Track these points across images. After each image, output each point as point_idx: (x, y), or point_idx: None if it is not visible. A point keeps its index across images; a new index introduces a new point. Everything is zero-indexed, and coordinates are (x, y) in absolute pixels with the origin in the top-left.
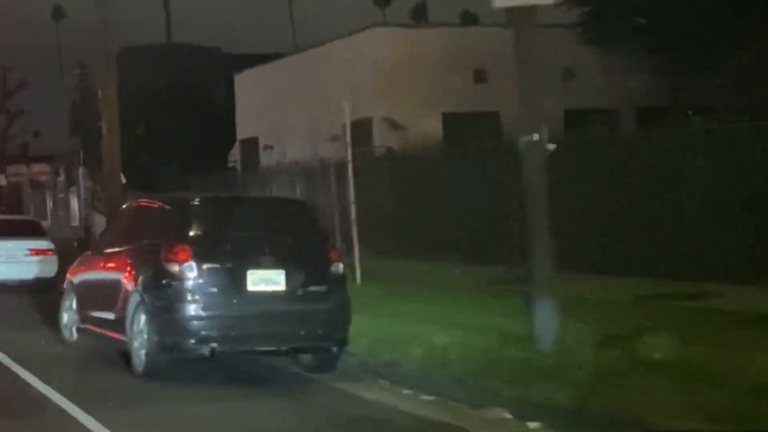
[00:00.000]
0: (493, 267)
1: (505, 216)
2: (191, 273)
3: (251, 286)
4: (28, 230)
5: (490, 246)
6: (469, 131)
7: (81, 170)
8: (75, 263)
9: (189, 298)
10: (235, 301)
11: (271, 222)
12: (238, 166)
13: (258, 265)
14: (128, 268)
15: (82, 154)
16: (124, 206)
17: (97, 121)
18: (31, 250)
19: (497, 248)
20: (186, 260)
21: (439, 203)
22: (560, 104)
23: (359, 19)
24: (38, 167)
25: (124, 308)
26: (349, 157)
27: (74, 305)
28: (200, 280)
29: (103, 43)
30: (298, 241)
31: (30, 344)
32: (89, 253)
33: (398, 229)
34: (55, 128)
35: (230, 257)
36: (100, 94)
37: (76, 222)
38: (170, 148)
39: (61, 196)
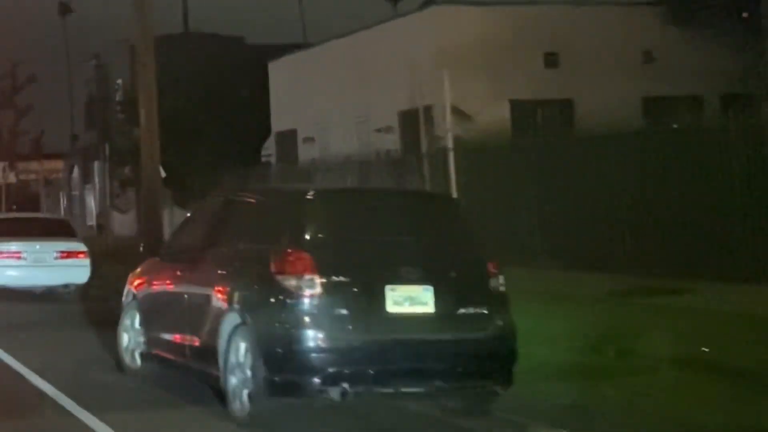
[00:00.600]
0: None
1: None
2: (313, 289)
3: (391, 307)
4: (57, 230)
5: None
6: (538, 120)
7: (96, 166)
8: (138, 271)
9: (310, 322)
10: (371, 326)
11: (410, 222)
12: (273, 161)
13: (398, 279)
14: (220, 281)
15: (106, 148)
16: (205, 201)
17: (119, 112)
18: (61, 252)
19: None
20: (306, 272)
21: (567, 199)
22: (638, 90)
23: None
24: (51, 164)
25: (214, 332)
26: (450, 144)
27: (137, 324)
28: (325, 299)
29: (141, 22)
30: (446, 247)
31: (79, 371)
32: (157, 258)
33: (515, 230)
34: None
35: (363, 268)
36: (117, 85)
37: (92, 221)
38: (197, 142)
39: (75, 193)
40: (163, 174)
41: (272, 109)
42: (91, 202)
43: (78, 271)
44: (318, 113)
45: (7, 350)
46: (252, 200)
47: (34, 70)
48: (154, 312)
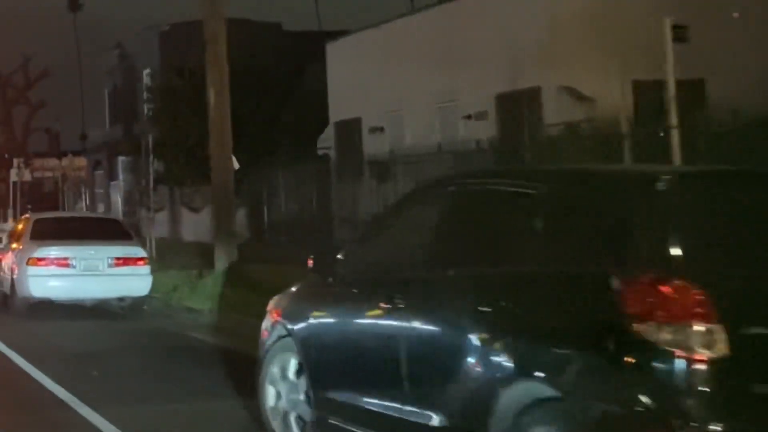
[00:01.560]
0: None
1: None
2: (711, 349)
3: None
4: (110, 231)
5: None
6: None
7: (120, 162)
8: (292, 296)
9: (704, 406)
10: None
11: None
12: (333, 154)
13: None
14: (494, 323)
15: (150, 140)
16: (412, 195)
17: (148, 102)
18: (117, 258)
19: None
20: (698, 318)
21: None
22: None
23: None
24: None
25: (480, 410)
26: (674, 122)
27: (295, 374)
28: (733, 367)
29: None
30: None
31: None
32: (330, 280)
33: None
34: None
35: None
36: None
37: None
38: (239, 136)
39: (100, 191)
40: (236, 165)
41: (330, 96)
42: (118, 201)
43: (137, 282)
44: (389, 99)
45: (80, 397)
46: (536, 189)
47: (47, 65)
48: (335, 361)
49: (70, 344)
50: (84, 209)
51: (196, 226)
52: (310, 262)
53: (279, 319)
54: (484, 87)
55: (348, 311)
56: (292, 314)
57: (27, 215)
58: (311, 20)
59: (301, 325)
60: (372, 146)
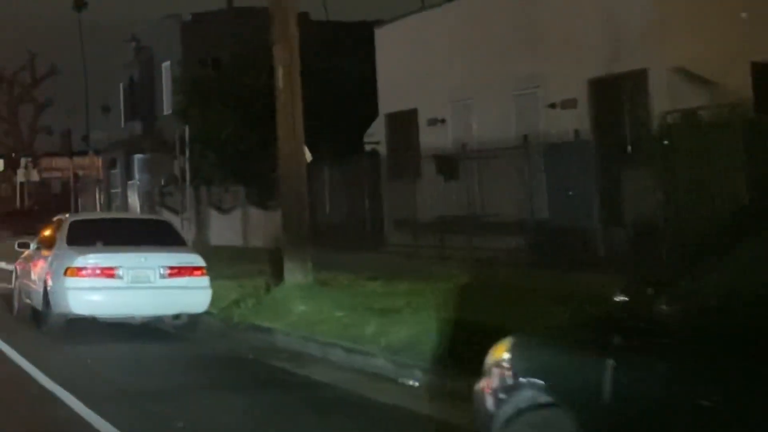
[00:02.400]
0: None
1: None
2: None
3: None
4: (160, 235)
5: None
6: None
7: (136, 160)
8: (546, 340)
9: None
10: None
11: None
12: (383, 149)
13: None
14: None
15: (186, 132)
16: None
17: (176, 94)
18: (171, 268)
19: None
20: None
21: None
22: None
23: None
24: (82, 161)
25: None
26: None
27: None
28: None
29: None
30: None
31: None
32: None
33: None
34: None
35: None
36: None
37: None
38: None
39: (116, 190)
40: (308, 157)
41: (380, 86)
42: (135, 201)
43: (195, 296)
44: (453, 88)
45: None
46: None
47: (57, 64)
48: None
49: (128, 378)
50: (98, 210)
51: (225, 228)
52: (620, 297)
53: (527, 379)
54: (574, 71)
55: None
56: (561, 373)
57: (61, 216)
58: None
59: (587, 393)
60: (431, 139)
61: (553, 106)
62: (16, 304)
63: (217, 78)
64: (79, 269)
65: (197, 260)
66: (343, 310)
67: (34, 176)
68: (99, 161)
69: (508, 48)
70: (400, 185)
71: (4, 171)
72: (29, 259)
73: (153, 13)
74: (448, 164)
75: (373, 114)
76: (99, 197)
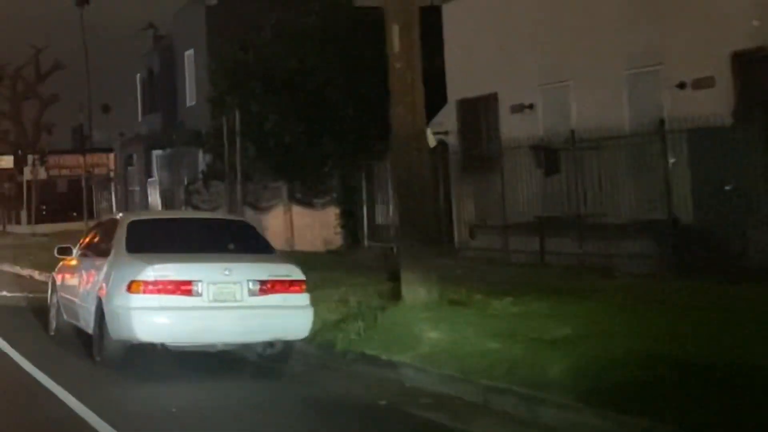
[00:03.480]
0: None
1: None
2: None
3: None
4: (241, 240)
5: None
6: None
7: (155, 156)
8: None
9: None
10: None
11: None
12: (453, 141)
13: None
14: None
15: (237, 120)
16: None
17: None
18: (263, 282)
19: None
20: None
21: None
22: None
23: None
24: (96, 158)
25: None
26: None
27: None
28: None
29: None
30: None
31: None
32: None
33: None
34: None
35: None
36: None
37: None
38: (319, 120)
39: (136, 188)
40: (432, 141)
41: (449, 68)
42: (157, 199)
43: (293, 318)
44: (543, 68)
45: None
46: None
47: (59, 58)
48: None
49: None
50: (113, 210)
51: (263, 230)
52: None
53: None
54: (710, 44)
55: None
56: None
57: (114, 216)
58: None
59: None
60: (515, 128)
61: (682, 86)
62: (53, 322)
63: (258, 63)
64: (147, 284)
65: (294, 272)
66: (496, 340)
67: (42, 174)
68: (110, 158)
69: (618, 19)
70: (476, 181)
71: (6, 169)
72: (72, 268)
73: (162, 4)
74: (551, 156)
75: (439, 101)
76: (115, 196)
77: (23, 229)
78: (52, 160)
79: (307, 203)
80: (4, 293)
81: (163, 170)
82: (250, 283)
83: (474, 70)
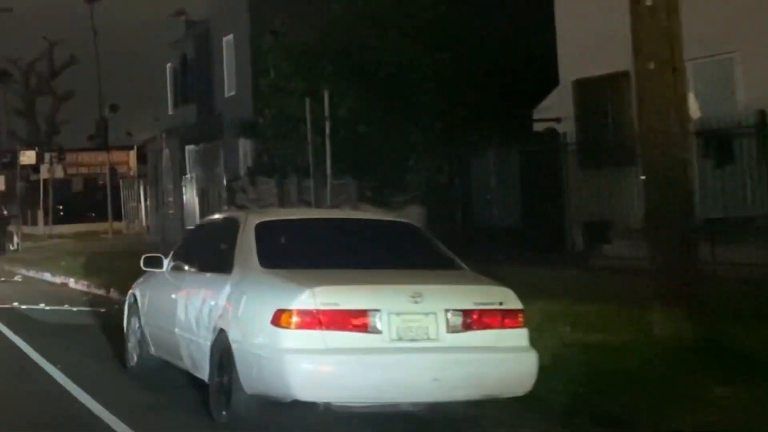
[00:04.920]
0: None
1: None
2: None
3: None
4: (417, 252)
5: None
6: None
7: (188, 150)
8: None
9: None
10: None
11: None
12: (568, 129)
13: None
14: None
15: (308, 107)
16: None
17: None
18: (469, 312)
19: None
20: None
21: None
22: None
23: None
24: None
25: None
26: None
27: None
28: None
29: None
30: None
31: None
32: None
33: None
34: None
35: None
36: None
37: (194, 223)
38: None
39: (169, 187)
40: (695, 111)
41: (561, 44)
42: (193, 199)
43: (511, 365)
44: (700, 38)
45: None
46: None
47: (74, 53)
48: None
49: None
50: (143, 213)
51: None
52: None
53: None
54: None
55: None
56: None
57: (227, 215)
58: None
59: None
60: None
61: None
62: (132, 354)
63: (326, 42)
64: (305, 314)
65: (509, 298)
66: None
67: (59, 173)
68: (131, 156)
69: None
70: (601, 176)
71: (27, 166)
72: (165, 286)
73: None
74: (722, 142)
75: (546, 83)
76: (144, 196)
77: (40, 230)
78: (70, 157)
79: (381, 202)
80: (43, 306)
81: (198, 166)
82: (450, 314)
83: (597, 44)
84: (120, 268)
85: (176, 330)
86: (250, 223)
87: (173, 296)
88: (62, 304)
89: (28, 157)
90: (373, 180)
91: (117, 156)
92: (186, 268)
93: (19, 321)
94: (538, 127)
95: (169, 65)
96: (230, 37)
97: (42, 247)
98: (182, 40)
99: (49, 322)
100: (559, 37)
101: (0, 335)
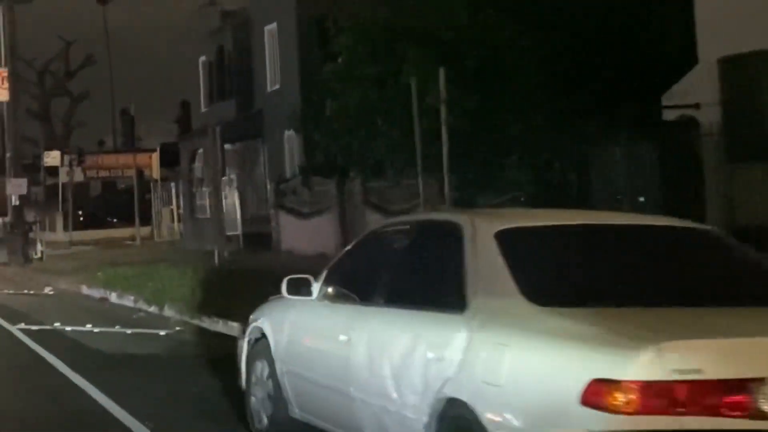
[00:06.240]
0: None
1: None
2: None
3: None
4: (750, 277)
5: None
6: None
7: (218, 147)
8: None
9: None
10: None
11: None
12: (710, 117)
13: None
14: None
15: (415, 93)
16: None
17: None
18: None
19: None
20: None
21: None
22: None
23: None
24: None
25: None
26: None
27: None
28: None
29: None
30: None
31: None
32: None
33: None
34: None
35: None
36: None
37: (236, 229)
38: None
39: (204, 189)
40: None
41: (701, 14)
42: (234, 202)
43: None
44: None
45: None
46: None
47: (91, 53)
48: None
49: None
50: (175, 219)
51: None
52: None
53: None
54: None
55: None
56: None
57: (428, 217)
58: None
59: None
60: None
61: None
62: (260, 413)
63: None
64: (647, 390)
65: None
66: None
67: (79, 176)
68: (154, 159)
69: None
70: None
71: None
72: (321, 319)
73: None
74: None
75: (677, 64)
76: (175, 199)
77: (60, 236)
78: (90, 160)
79: (468, 203)
80: (90, 328)
81: (237, 167)
82: None
83: (749, 14)
84: (168, 280)
85: (352, 391)
86: (484, 231)
87: (343, 338)
88: (112, 325)
89: (52, 158)
90: (466, 177)
91: (141, 158)
92: (356, 296)
93: (70, 349)
94: (668, 115)
95: (202, 59)
96: (273, 26)
97: (66, 255)
98: (218, 31)
99: (107, 350)
100: (698, 7)
101: (54, 371)
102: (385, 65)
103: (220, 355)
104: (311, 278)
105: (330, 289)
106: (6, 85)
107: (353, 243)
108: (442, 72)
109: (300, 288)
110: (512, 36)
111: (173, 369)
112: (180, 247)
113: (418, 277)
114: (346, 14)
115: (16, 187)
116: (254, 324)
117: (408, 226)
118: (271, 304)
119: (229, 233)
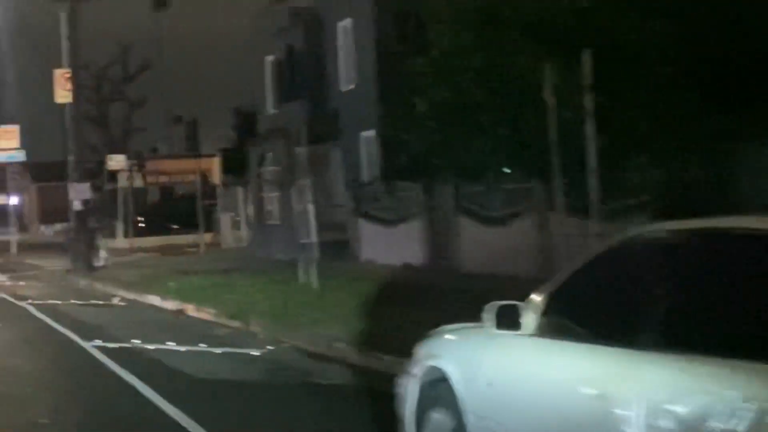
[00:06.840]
0: None
1: None
2: None
3: None
4: None
5: None
6: None
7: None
8: None
9: None
10: None
11: None
12: None
13: None
14: None
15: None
16: None
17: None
18: None
19: None
20: None
21: None
22: None
23: None
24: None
25: None
26: None
27: None
28: None
29: None
30: None
31: None
32: None
33: None
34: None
35: None
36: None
37: (309, 237)
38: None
39: (272, 194)
40: None
41: None
42: (306, 209)
43: None
44: None
45: None
46: None
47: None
48: None
49: None
50: (244, 225)
51: (493, 252)
52: None
53: None
54: None
55: None
56: None
57: (716, 223)
58: None
59: None
60: None
61: None
62: None
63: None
64: None
65: None
66: None
67: (138, 182)
68: (215, 164)
69: None
70: None
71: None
72: (540, 361)
73: None
74: None
75: None
76: (243, 205)
77: (119, 243)
78: (150, 165)
79: (578, 209)
80: (174, 346)
81: (309, 171)
82: None
83: None
84: (248, 291)
85: None
86: None
87: (589, 392)
88: (196, 343)
89: (116, 161)
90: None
91: (204, 163)
92: (610, 334)
93: (157, 374)
94: None
95: (270, 58)
96: (347, 22)
97: (129, 262)
98: (286, 28)
99: (200, 374)
100: None
101: (144, 401)
102: (490, 56)
103: (337, 384)
104: (520, 305)
105: (558, 322)
106: (69, 86)
107: (589, 258)
108: (587, 54)
109: (511, 317)
110: (639, 24)
111: (284, 400)
112: (248, 255)
113: (740, 311)
114: (430, 7)
115: (79, 192)
116: (429, 363)
117: (694, 236)
118: (453, 337)
119: (302, 241)
